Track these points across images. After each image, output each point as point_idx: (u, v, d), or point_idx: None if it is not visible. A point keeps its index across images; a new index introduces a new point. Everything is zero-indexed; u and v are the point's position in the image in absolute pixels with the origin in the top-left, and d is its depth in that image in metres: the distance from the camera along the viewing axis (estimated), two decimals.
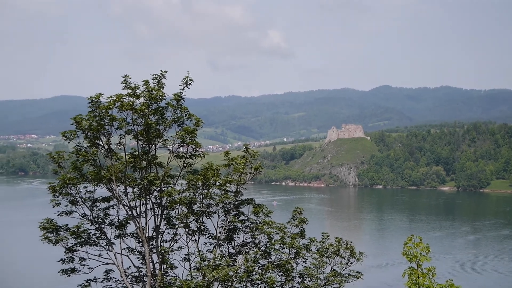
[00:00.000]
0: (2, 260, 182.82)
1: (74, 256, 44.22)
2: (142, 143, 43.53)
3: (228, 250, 45.58)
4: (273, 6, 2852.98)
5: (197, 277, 41.30)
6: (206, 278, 40.47)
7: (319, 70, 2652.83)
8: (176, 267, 44.74)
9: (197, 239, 44.76)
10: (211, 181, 44.06)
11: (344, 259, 45.79)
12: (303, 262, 45.41)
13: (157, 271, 43.53)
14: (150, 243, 43.75)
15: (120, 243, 44.87)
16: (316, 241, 46.22)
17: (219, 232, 44.79)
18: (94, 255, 43.99)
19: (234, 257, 44.86)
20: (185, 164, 44.72)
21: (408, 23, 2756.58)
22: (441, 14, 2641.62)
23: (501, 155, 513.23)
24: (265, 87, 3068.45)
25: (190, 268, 43.91)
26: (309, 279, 44.63)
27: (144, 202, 43.58)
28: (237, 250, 45.56)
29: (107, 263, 44.45)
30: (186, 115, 44.06)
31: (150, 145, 43.85)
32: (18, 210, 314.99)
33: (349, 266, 45.83)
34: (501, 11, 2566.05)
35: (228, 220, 44.87)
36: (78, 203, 43.78)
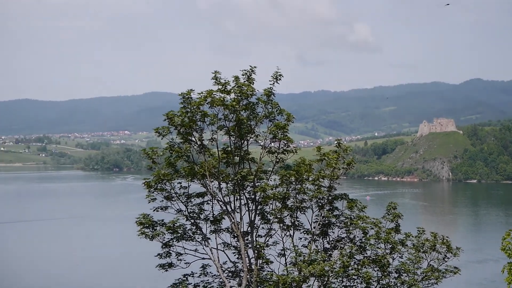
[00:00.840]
0: (100, 255, 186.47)
1: (170, 251, 44.68)
2: (234, 138, 43.56)
3: (323, 245, 45.25)
4: (359, 0, 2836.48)
5: (293, 272, 40.97)
6: (302, 273, 40.19)
7: (408, 64, 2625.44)
8: (271, 262, 44.56)
9: (292, 234, 44.64)
10: (304, 176, 43.70)
11: (441, 254, 45.13)
12: (399, 257, 44.86)
13: (253, 266, 43.56)
14: (245, 238, 43.82)
15: (215, 238, 45.11)
16: (412, 236, 45.61)
17: (314, 227, 44.52)
18: (190, 250, 44.37)
19: (329, 252, 44.50)
20: (277, 160, 44.59)
21: (500, 14, 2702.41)
22: None
23: None
24: (354, 81, 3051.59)
25: (285, 263, 43.82)
26: (405, 274, 44.15)
27: (238, 197, 43.73)
28: (332, 245, 45.20)
29: (203, 258, 44.77)
30: (277, 110, 43.94)
31: (242, 141, 43.84)
32: (114, 206, 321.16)
33: (446, 261, 45.17)
34: None
35: (322, 215, 44.57)
36: (173, 199, 44.28)
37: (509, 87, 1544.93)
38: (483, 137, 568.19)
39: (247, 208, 44.02)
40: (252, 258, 44.01)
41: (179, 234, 44.12)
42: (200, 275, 46.20)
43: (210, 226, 45.36)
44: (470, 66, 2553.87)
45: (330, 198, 44.51)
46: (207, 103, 42.26)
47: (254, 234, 44.01)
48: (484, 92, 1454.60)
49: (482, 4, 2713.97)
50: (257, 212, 44.12)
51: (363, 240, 43.69)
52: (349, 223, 44.24)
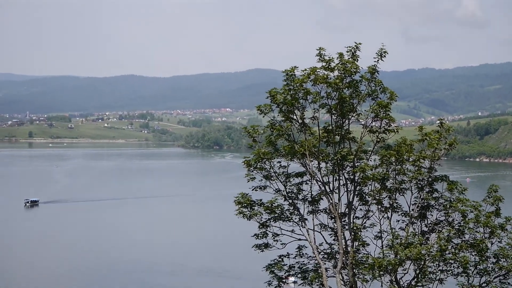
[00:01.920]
0: (198, 234, 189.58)
1: (267, 232, 44.74)
2: (335, 117, 43.34)
3: (421, 228, 44.62)
4: None
5: (389, 255, 40.78)
6: (398, 256, 39.95)
7: None
8: (368, 244, 44.19)
9: (389, 216, 44.17)
10: (405, 157, 43.21)
11: None
12: (498, 242, 43.67)
13: (349, 248, 43.38)
14: (342, 220, 43.65)
15: (313, 219, 45.00)
16: None
17: (412, 210, 43.99)
18: (287, 230, 44.25)
19: (427, 236, 43.87)
20: (378, 139, 44.18)
21: None
22: None
23: None
24: (460, 58, 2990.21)
25: (382, 245, 43.52)
26: (504, 259, 43.13)
27: (337, 177, 43.53)
28: (430, 228, 44.53)
29: (299, 239, 44.56)
30: (380, 88, 43.48)
31: (344, 120, 43.60)
32: (212, 184, 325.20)
33: None
34: None
35: (422, 197, 43.96)
36: (272, 178, 44.30)
37: None
38: None
39: (345, 189, 43.69)
40: (348, 240, 43.75)
41: (277, 215, 44.07)
42: (295, 256, 46.04)
43: (308, 206, 45.19)
44: None
45: (430, 179, 43.86)
46: (310, 81, 42.18)
47: (352, 215, 43.72)
48: None
49: None
50: (356, 193, 43.83)
51: (462, 224, 42.92)
52: (448, 206, 43.51)
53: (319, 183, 43.45)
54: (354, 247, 43.38)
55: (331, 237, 45.50)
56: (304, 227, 44.02)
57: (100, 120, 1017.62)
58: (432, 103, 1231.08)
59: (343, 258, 42.67)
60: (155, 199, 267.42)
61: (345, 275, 43.19)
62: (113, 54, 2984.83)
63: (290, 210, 44.49)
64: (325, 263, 44.64)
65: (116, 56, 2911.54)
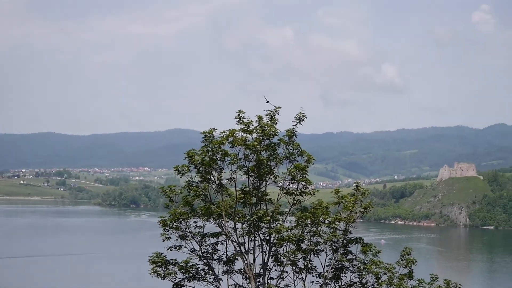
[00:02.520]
0: None
1: None
2: (253, 179, 43.74)
3: None
4: (387, 41, 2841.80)
5: None
6: None
7: (433, 106, 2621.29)
8: None
9: (304, 277, 44.45)
10: (320, 219, 43.79)
11: None
12: None
13: None
14: (257, 280, 43.76)
15: (227, 279, 45.00)
16: (425, 283, 45.27)
17: (326, 271, 44.44)
18: None
19: None
20: (294, 201, 44.64)
21: None
22: None
23: None
24: (378, 123, 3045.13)
25: None
26: None
27: (253, 238, 43.77)
28: None
29: None
30: (297, 151, 44.12)
31: (261, 181, 44.00)
32: (127, 242, 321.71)
33: None
34: None
35: (336, 258, 44.49)
36: (188, 238, 44.32)
37: None
38: (504, 183, 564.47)
39: (260, 250, 43.90)
40: None
41: (191, 274, 43.92)
42: None
43: (223, 266, 45.17)
44: (495, 111, 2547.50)
45: (344, 241, 44.52)
46: (228, 143, 42.62)
47: (266, 276, 43.89)
48: (508, 138, 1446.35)
49: (509, 50, 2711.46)
50: (271, 254, 44.09)
51: (375, 286, 43.55)
52: (362, 268, 44.12)
53: (235, 243, 43.55)
54: None
55: None
56: (219, 287, 43.96)
57: (16, 177, 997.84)
58: (349, 166, 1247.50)
59: None
60: (67, 257, 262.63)
61: None
62: (32, 111, 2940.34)
63: (205, 270, 44.36)
64: None
65: (34, 113, 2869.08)
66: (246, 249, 43.64)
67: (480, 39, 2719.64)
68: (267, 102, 43.17)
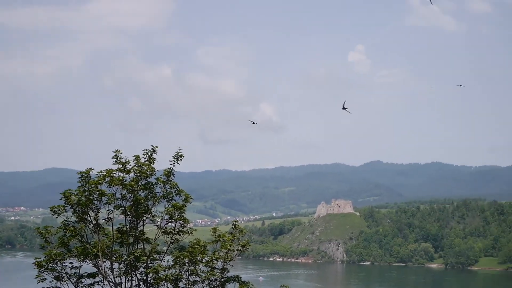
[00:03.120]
0: None
1: None
2: (130, 218, 43.63)
3: None
4: (265, 80, 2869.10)
5: None
6: None
7: (310, 144, 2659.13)
8: None
9: None
10: (198, 258, 43.95)
11: None
12: None
13: None
14: None
15: None
16: None
17: None
18: None
19: None
20: (172, 240, 44.75)
21: (399, 99, 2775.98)
22: (430, 90, 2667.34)
23: (490, 232, 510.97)
24: (256, 161, 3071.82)
25: None
26: None
27: (130, 278, 43.47)
28: None
29: None
30: (175, 190, 44.39)
31: (138, 221, 43.93)
32: (0, 284, 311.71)
33: None
34: (489, 92, 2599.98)
35: None
36: (63, 279, 43.58)
37: (406, 170, 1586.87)
38: (380, 219, 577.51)
39: None
40: None
41: None
42: None
43: None
44: (370, 149, 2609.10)
45: (222, 280, 44.75)
46: (105, 182, 42.47)
47: None
48: (383, 175, 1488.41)
49: (383, 89, 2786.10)
50: None
51: None
52: None
53: (112, 284, 43.18)
54: None
55: None
56: None
57: None
58: (228, 203, 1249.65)
59: None
60: None
61: None
62: None
63: None
64: None
65: None
66: None
67: (356, 78, 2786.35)
68: (254, 123, 43.33)
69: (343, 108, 42.37)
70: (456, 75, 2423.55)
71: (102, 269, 42.87)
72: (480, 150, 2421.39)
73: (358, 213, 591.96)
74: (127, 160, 42.97)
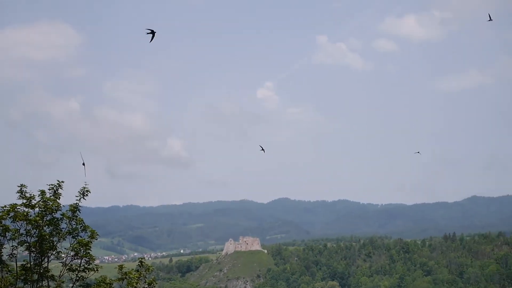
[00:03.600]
0: None
1: None
2: (34, 254, 42.84)
3: None
4: (174, 115, 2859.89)
5: None
6: None
7: (219, 180, 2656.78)
8: None
9: None
10: None
11: None
12: None
13: None
14: None
15: None
16: None
17: None
18: None
19: None
20: (78, 278, 44.11)
21: (307, 136, 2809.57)
22: (337, 127, 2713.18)
23: (395, 271, 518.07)
24: (164, 197, 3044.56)
25: None
26: None
27: None
28: None
29: None
30: (81, 226, 43.90)
31: (43, 257, 43.15)
32: None
33: None
34: (394, 131, 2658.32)
35: None
36: None
37: (314, 208, 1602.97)
38: (287, 257, 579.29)
39: None
40: None
41: None
42: None
43: None
44: (278, 186, 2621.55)
45: None
46: (9, 217, 41.63)
47: None
48: (291, 212, 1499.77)
49: (291, 126, 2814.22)
50: None
51: None
52: None
53: None
54: None
55: None
56: None
57: None
58: (135, 239, 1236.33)
59: None
60: None
61: None
62: None
63: None
64: None
65: None
66: None
67: (265, 115, 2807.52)
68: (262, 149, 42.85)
69: (261, 149, 42.90)
70: (363, 112, 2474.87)
71: None
72: (387, 188, 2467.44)
73: (265, 251, 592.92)
74: (32, 195, 42.28)
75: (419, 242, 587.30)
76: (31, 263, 42.90)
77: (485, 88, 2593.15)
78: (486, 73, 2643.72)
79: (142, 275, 44.69)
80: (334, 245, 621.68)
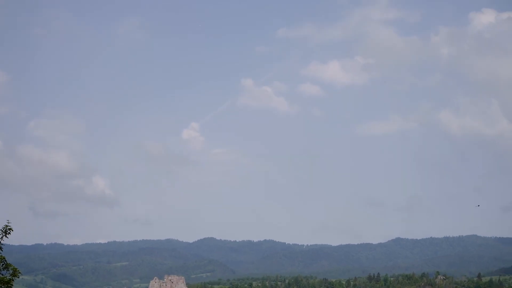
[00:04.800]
0: None
1: None
2: None
3: None
4: (98, 154, 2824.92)
5: None
6: None
7: (144, 219, 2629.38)
8: None
9: None
10: None
11: None
12: None
13: None
14: None
15: None
16: None
17: None
18: None
19: None
20: None
21: (232, 177, 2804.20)
22: (262, 169, 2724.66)
23: None
24: (89, 235, 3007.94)
25: None
26: None
27: None
28: None
29: None
30: (3, 264, 43.56)
31: None
32: None
33: None
34: (319, 173, 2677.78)
35: None
36: None
37: (240, 247, 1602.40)
38: None
39: None
40: None
41: None
42: None
43: None
44: (204, 225, 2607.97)
45: None
46: None
47: None
48: (216, 251, 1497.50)
49: (216, 167, 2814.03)
50: None
51: None
52: None
53: None
54: None
55: None
56: None
57: None
58: (59, 277, 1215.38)
59: None
60: None
61: None
62: None
63: None
64: None
65: None
66: None
67: (190, 155, 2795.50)
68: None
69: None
70: (288, 154, 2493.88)
71: None
72: (312, 229, 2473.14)
73: None
74: None
75: (344, 282, 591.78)
76: None
77: (407, 132, 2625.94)
78: (408, 118, 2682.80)
79: None
80: (260, 284, 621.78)
